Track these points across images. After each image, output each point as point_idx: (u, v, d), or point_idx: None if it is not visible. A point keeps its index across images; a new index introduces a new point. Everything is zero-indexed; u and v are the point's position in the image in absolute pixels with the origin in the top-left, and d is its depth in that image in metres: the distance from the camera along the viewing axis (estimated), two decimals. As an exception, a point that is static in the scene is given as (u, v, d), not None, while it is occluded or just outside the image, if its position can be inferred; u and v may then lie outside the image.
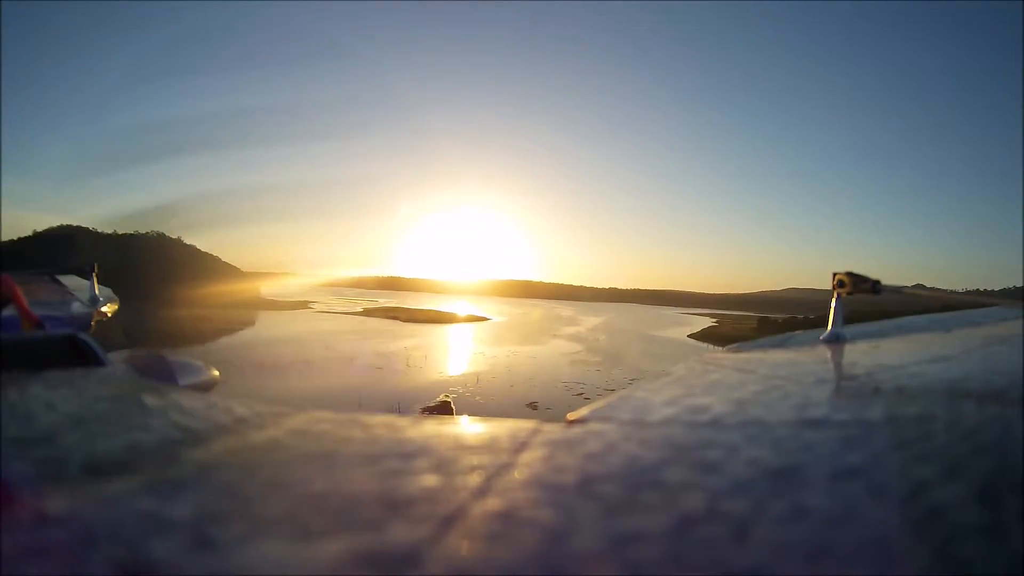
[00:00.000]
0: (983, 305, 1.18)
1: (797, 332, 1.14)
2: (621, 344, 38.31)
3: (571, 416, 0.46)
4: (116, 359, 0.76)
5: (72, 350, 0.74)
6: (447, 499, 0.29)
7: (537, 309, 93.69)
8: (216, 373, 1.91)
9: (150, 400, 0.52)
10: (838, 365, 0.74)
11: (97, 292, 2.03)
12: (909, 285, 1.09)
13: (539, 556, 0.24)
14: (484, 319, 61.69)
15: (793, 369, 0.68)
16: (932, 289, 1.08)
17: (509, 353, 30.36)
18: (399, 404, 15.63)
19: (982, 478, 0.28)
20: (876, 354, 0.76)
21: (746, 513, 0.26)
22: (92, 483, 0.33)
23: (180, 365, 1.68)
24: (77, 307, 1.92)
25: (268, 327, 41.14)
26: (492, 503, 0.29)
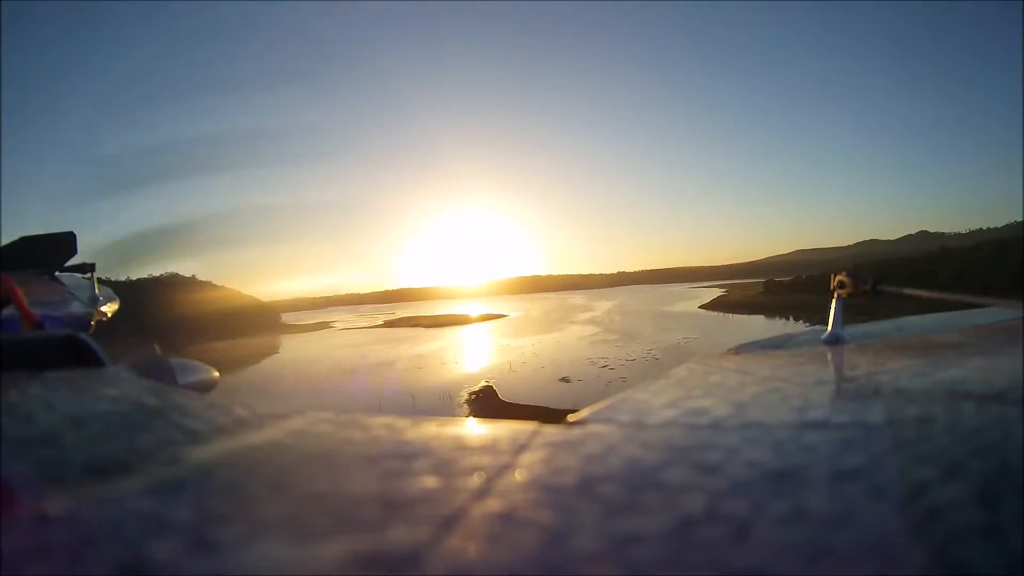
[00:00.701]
0: (982, 305, 1.17)
1: (796, 333, 1.16)
2: (636, 322, 40.32)
3: (571, 418, 0.46)
4: (116, 360, 0.76)
5: (72, 350, 0.73)
6: (447, 500, 0.29)
7: (549, 301, 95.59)
8: (216, 373, 1.92)
9: (150, 401, 0.52)
10: (838, 367, 0.73)
11: (97, 292, 2.02)
12: (908, 288, 1.08)
13: (539, 557, 0.24)
14: (501, 316, 63.88)
15: (792, 371, 0.68)
16: (932, 289, 1.06)
17: (533, 342, 32.45)
18: (449, 396, 17.64)
19: (982, 479, 0.28)
20: (876, 355, 0.75)
21: (746, 515, 0.26)
22: (92, 483, 0.32)
23: (180, 365, 1.70)
24: (77, 307, 1.90)
25: (299, 348, 43.11)
26: (492, 504, 0.29)
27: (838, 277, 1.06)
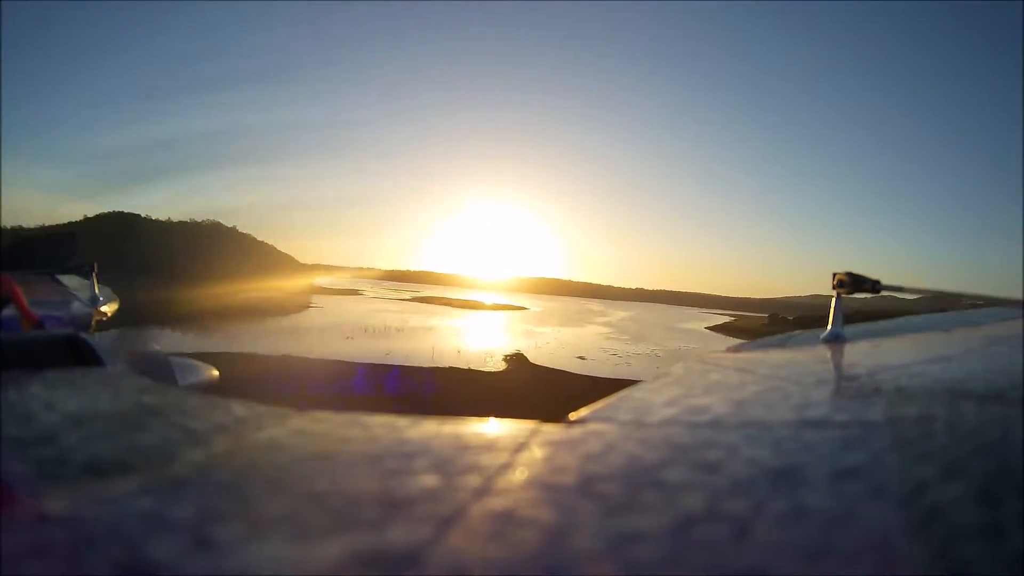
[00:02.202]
0: (983, 305, 1.17)
1: (797, 332, 1.17)
2: (646, 330, 44.48)
3: (571, 416, 0.46)
4: (116, 359, 0.76)
5: (72, 350, 0.74)
6: (447, 499, 0.29)
7: (568, 304, 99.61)
8: (216, 373, 1.94)
9: (150, 400, 0.53)
10: (838, 365, 0.73)
11: (97, 292, 2.02)
12: (909, 286, 1.08)
13: (539, 556, 0.24)
14: (523, 308, 68.08)
15: (793, 369, 0.68)
16: (932, 289, 1.06)
17: (554, 331, 36.58)
18: (487, 356, 21.72)
19: (982, 478, 0.28)
20: (876, 354, 0.76)
21: (746, 513, 0.26)
22: (92, 483, 0.32)
23: (180, 365, 1.74)
24: (77, 307, 1.91)
25: (338, 307, 47.18)
26: (492, 503, 0.29)
27: (838, 276, 1.07)
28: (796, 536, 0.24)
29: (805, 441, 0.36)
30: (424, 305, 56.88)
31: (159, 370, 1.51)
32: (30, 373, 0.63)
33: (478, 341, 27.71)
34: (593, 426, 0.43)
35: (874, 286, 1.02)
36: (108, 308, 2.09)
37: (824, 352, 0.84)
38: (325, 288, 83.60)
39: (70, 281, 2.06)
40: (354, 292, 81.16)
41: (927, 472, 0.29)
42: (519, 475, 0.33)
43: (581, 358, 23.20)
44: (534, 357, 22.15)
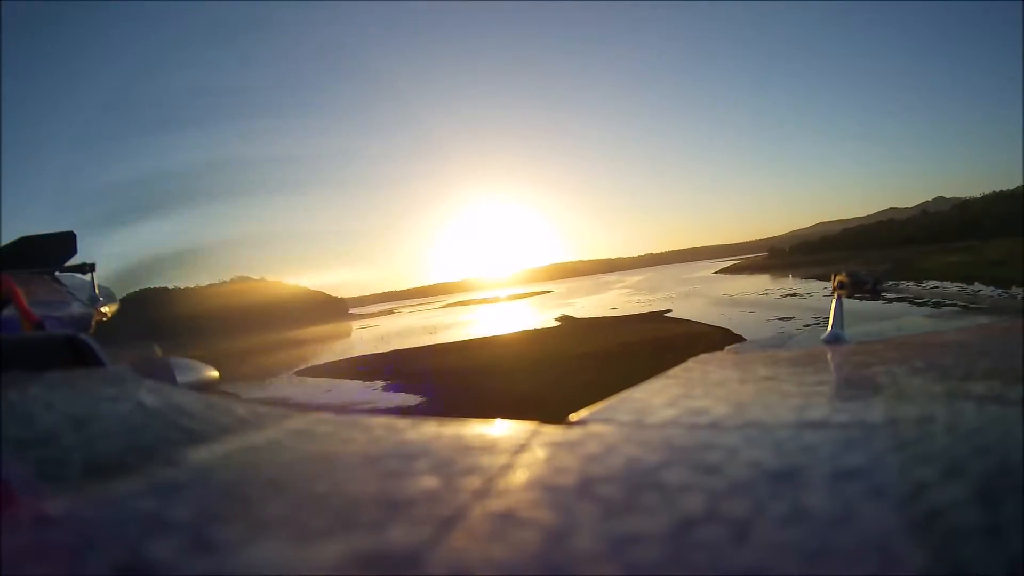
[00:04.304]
0: (982, 303, 1.20)
1: (797, 333, 1.15)
2: (659, 284, 52.14)
3: (571, 417, 0.46)
4: (116, 359, 0.75)
5: (72, 350, 0.73)
6: (447, 500, 0.29)
7: (583, 282, 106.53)
8: (216, 373, 1.92)
9: (150, 400, 0.52)
10: (838, 366, 0.73)
11: (97, 292, 1.99)
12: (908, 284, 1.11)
13: (539, 557, 0.24)
14: (547, 291, 74.88)
15: (792, 370, 0.68)
16: (932, 290, 1.25)
17: (582, 300, 43.77)
18: (540, 321, 27.91)
19: (982, 479, 0.28)
20: (876, 355, 0.75)
21: (746, 515, 0.26)
22: (92, 483, 0.32)
23: (180, 365, 1.71)
24: (77, 307, 1.88)
25: (382, 325, 52.96)
26: (492, 504, 0.29)
27: (838, 277, 1.07)
28: (796, 537, 0.24)
29: (805, 442, 0.36)
30: (458, 308, 63.66)
31: (159, 370, 1.48)
32: (30, 373, 0.63)
33: (527, 317, 34.05)
34: (593, 427, 0.43)
35: (874, 287, 1.07)
36: (108, 308, 2.06)
37: (824, 353, 0.83)
38: (360, 314, 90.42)
39: (70, 281, 2.02)
40: (389, 312, 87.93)
41: (927, 473, 0.29)
42: (519, 476, 0.33)
43: (613, 309, 29.64)
44: (578, 314, 28.39)
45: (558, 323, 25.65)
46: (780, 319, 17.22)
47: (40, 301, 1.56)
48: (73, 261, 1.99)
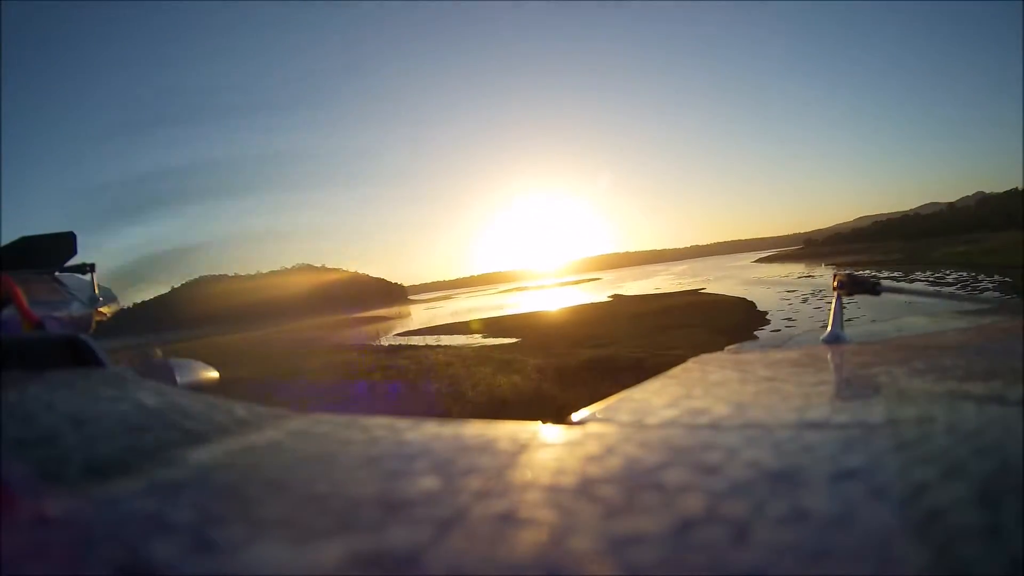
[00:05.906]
0: (983, 304, 1.12)
1: (797, 333, 1.24)
2: (701, 271, 58.95)
3: (572, 417, 0.46)
4: (116, 360, 0.74)
5: (72, 351, 0.73)
6: (448, 501, 0.29)
7: (631, 271, 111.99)
8: (216, 374, 1.90)
9: (150, 401, 0.52)
10: (838, 367, 0.72)
11: (97, 292, 1.98)
12: (908, 289, 1.38)
13: (540, 558, 0.24)
14: (597, 278, 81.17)
15: (792, 371, 0.67)
16: (931, 289, 1.23)
17: (631, 284, 49.88)
18: (596, 298, 33.64)
19: (982, 479, 0.28)
20: (876, 355, 0.75)
21: (746, 515, 0.26)
22: (92, 484, 0.32)
23: (180, 365, 1.69)
24: (77, 307, 1.87)
25: (453, 306, 59.69)
26: (492, 505, 0.29)
27: (838, 277, 1.05)
28: (796, 537, 0.24)
29: (805, 442, 0.36)
30: (514, 294, 69.59)
31: (159, 371, 1.46)
32: (30, 373, 0.62)
33: (582, 296, 39.92)
34: (594, 427, 0.43)
35: (874, 287, 1.03)
36: (108, 308, 2.05)
37: (824, 353, 0.83)
38: (419, 300, 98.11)
39: (70, 281, 2.00)
40: (447, 296, 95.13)
41: (927, 473, 0.29)
42: (519, 477, 0.33)
43: (657, 288, 35.45)
44: (625, 294, 34.03)
45: (610, 299, 31.42)
46: (788, 291, 23.36)
47: (40, 301, 1.57)
48: (73, 261, 1.97)
